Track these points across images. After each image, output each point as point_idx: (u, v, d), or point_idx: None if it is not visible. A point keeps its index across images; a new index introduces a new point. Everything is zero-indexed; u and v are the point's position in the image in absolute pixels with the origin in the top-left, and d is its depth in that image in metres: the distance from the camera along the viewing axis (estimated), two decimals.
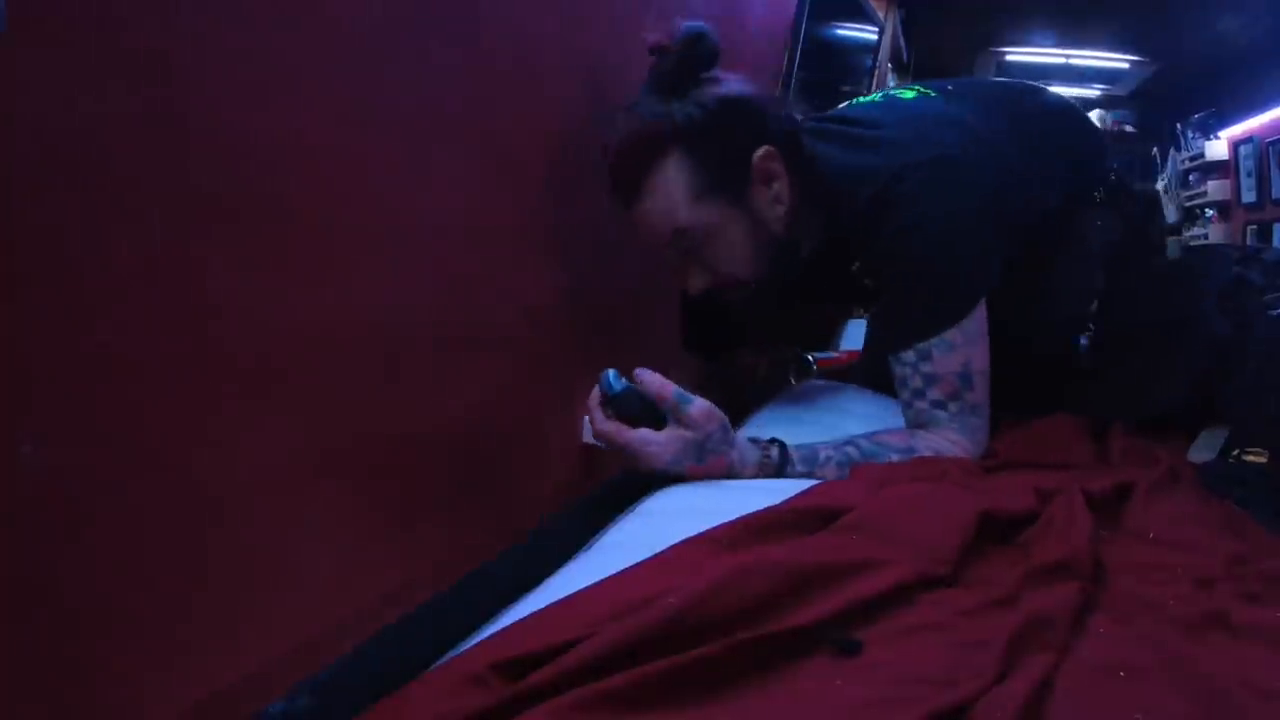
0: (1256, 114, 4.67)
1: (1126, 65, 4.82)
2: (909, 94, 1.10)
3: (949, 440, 0.92)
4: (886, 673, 0.43)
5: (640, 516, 0.71)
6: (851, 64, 2.56)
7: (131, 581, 0.48)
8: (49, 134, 0.42)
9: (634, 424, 0.82)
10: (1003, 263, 0.96)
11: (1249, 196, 4.82)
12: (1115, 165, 1.20)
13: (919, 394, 0.94)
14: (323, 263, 0.63)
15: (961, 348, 0.92)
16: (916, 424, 0.95)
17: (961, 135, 0.97)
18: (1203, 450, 1.02)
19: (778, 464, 0.87)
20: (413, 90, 0.71)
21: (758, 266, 0.96)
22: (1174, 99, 5.17)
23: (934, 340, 0.91)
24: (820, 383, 1.34)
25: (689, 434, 0.81)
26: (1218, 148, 5.08)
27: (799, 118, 1.03)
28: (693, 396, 0.82)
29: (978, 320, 0.93)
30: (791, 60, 1.98)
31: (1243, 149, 4.86)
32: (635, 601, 0.44)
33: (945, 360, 0.92)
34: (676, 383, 0.83)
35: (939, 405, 0.93)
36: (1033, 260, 1.05)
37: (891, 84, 1.13)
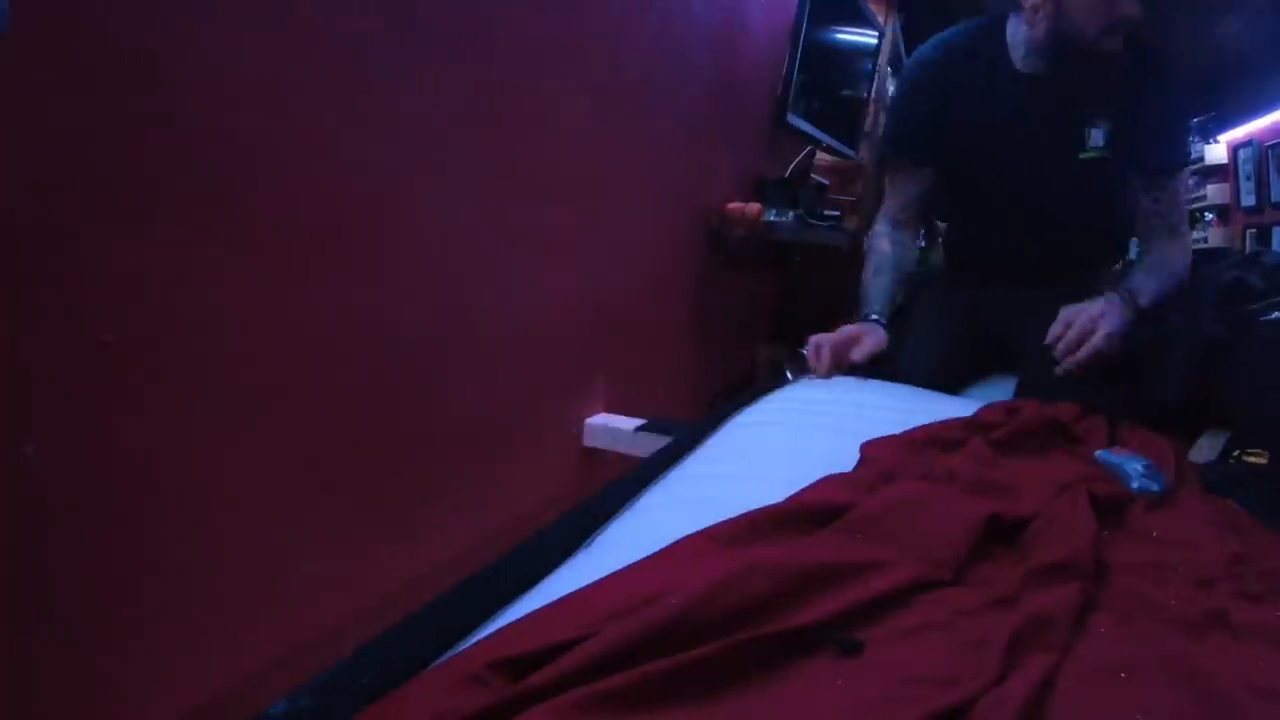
0: (1255, 118, 4.68)
1: None
2: None
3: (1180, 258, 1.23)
4: (888, 673, 0.43)
5: (638, 513, 0.70)
6: (851, 67, 2.56)
7: (131, 581, 0.48)
8: (49, 134, 0.42)
9: None
10: None
11: (1248, 200, 4.83)
12: None
13: (1164, 219, 1.23)
14: (323, 265, 0.63)
15: (1184, 186, 1.22)
16: (1170, 239, 1.23)
17: None
18: (1203, 452, 1.02)
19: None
20: (414, 97, 0.71)
21: None
22: None
23: (1183, 173, 1.22)
24: (822, 380, 1.33)
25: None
26: (1217, 151, 5.08)
27: None
28: None
29: None
30: (792, 62, 1.99)
31: (1242, 153, 4.87)
32: (636, 600, 0.44)
33: (1182, 192, 1.22)
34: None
35: (1174, 230, 1.23)
36: None
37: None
